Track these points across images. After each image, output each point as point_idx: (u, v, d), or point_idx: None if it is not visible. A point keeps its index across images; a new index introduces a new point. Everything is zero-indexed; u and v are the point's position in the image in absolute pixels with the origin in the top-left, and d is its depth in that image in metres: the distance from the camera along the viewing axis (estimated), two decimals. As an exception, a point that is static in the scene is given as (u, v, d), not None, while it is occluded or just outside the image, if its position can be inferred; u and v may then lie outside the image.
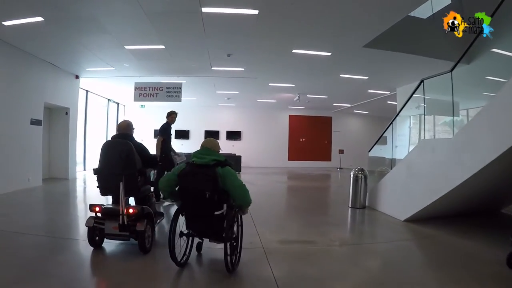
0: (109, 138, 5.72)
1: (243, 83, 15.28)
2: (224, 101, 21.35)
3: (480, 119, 5.86)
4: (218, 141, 4.81)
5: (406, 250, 5.80)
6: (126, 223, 4.85)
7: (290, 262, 4.95)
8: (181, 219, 4.48)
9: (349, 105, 21.56)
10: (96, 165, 5.28)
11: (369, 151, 10.51)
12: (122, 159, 5.04)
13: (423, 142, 7.53)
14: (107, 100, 20.20)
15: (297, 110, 24.08)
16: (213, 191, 4.14)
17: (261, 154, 23.62)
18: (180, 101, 14.01)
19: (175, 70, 13.01)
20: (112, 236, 5.06)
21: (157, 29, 8.61)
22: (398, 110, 14.57)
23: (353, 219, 8.39)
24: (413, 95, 8.48)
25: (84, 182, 13.60)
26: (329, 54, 10.31)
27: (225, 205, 4.32)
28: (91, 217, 5.05)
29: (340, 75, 13.19)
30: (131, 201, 5.70)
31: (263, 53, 10.66)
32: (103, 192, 5.33)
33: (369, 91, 16.28)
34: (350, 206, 9.09)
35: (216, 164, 4.27)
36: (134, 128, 5.84)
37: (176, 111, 9.58)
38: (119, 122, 6.01)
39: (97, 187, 5.27)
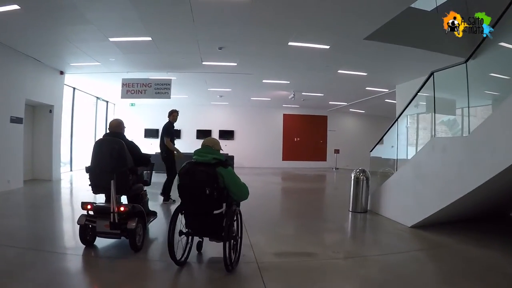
0: (100, 137, 5.66)
1: (236, 80, 14.65)
2: (217, 99, 20.82)
3: (500, 116, 5.23)
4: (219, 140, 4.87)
5: (419, 262, 5.18)
6: (117, 221, 4.90)
7: (289, 280, 4.29)
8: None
9: (346, 103, 21.05)
10: (85, 164, 5.37)
11: (371, 150, 9.86)
12: (113, 157, 5.06)
13: (433, 140, 6.86)
14: (95, 98, 19.53)
15: (292, 109, 23.61)
16: (213, 188, 4.18)
17: (254, 154, 23.05)
18: (169, 98, 13.45)
19: (164, 65, 12.35)
20: (103, 234, 5.06)
21: (142, 18, 7.99)
22: (397, 108, 14.24)
23: (356, 226, 7.75)
24: (417, 92, 7.89)
25: (71, 184, 12.99)
26: (328, 47, 9.67)
27: (224, 204, 4.34)
28: (82, 215, 5.11)
29: (338, 71, 12.58)
30: (124, 199, 5.69)
31: (257, 46, 10.02)
32: (95, 190, 5.38)
33: (367, 88, 15.74)
34: (350, 210, 8.46)
35: (217, 163, 4.34)
36: (125, 127, 5.87)
37: (177, 109, 9.45)
38: (110, 121, 5.89)
39: (89, 185, 5.31)
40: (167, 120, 9.20)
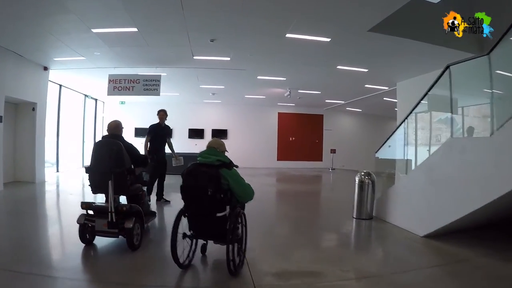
0: (99, 139, 5.83)
1: (229, 76, 14.02)
2: (209, 97, 20.16)
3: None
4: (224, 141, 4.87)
5: (440, 281, 4.47)
6: (114, 220, 5.03)
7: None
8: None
9: (343, 102, 20.51)
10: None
11: (377, 151, 9.19)
12: (111, 158, 5.19)
13: (451, 141, 6.20)
14: (83, 96, 18.88)
15: (287, 107, 23.11)
16: (216, 189, 4.16)
17: (248, 153, 22.16)
18: (159, 95, 12.77)
19: (152, 60, 11.66)
20: (102, 233, 5.20)
21: (126, 7, 7.34)
22: (398, 106, 13.70)
23: (363, 236, 7.08)
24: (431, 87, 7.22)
25: (57, 186, 12.30)
26: (328, 40, 9.04)
27: (227, 207, 4.31)
28: (82, 214, 5.26)
29: (337, 67, 11.95)
30: (123, 199, 5.87)
31: (252, 38, 9.37)
32: (94, 190, 5.52)
33: (366, 86, 15.15)
34: (354, 216, 7.77)
35: (221, 165, 4.32)
36: (123, 128, 5.95)
37: (164, 109, 9.19)
38: (108, 122, 5.95)
39: (89, 185, 5.46)
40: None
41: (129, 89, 12.57)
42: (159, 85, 12.54)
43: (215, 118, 22.84)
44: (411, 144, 9.17)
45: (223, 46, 10.04)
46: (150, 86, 12.52)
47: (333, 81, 14.70)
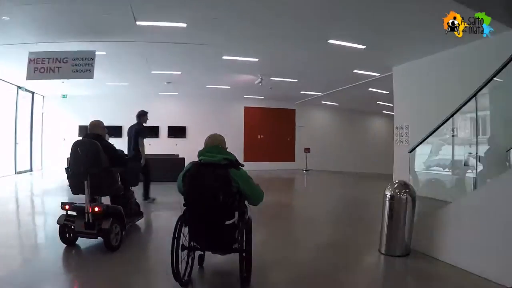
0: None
1: (187, 57, 11.50)
2: (164, 88, 17.57)
3: None
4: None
5: None
6: (91, 221, 5.06)
7: None
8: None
9: (320, 93, 18.51)
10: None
11: (411, 151, 6.61)
12: (88, 158, 5.24)
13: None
14: (16, 87, 15.88)
15: (255, 100, 21.12)
16: (226, 194, 3.62)
17: (210, 154, 19.82)
18: (92, 77, 9.99)
19: (83, 29, 8.79)
20: (81, 234, 5.23)
21: None
22: (395, 95, 12.28)
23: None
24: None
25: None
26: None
27: (236, 213, 3.80)
28: (62, 215, 5.30)
29: (329, 41, 9.46)
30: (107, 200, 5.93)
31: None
32: (74, 191, 5.52)
33: (354, 71, 13.00)
34: (383, 252, 4.97)
35: (229, 164, 3.79)
36: (103, 127, 5.96)
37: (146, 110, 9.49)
38: (90, 121, 5.86)
39: (68, 185, 5.53)
40: (132, 119, 9.32)
41: (53, 71, 9.84)
42: (92, 65, 9.78)
43: (172, 114, 20.54)
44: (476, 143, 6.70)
45: (176, 6, 7.42)
46: (81, 66, 9.77)
47: (316, 65, 12.55)
